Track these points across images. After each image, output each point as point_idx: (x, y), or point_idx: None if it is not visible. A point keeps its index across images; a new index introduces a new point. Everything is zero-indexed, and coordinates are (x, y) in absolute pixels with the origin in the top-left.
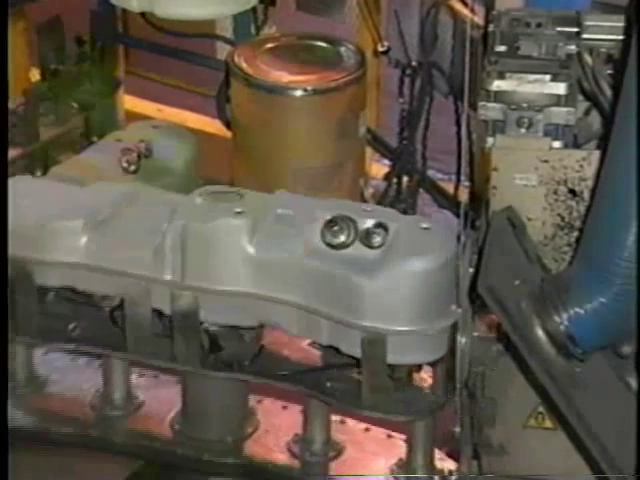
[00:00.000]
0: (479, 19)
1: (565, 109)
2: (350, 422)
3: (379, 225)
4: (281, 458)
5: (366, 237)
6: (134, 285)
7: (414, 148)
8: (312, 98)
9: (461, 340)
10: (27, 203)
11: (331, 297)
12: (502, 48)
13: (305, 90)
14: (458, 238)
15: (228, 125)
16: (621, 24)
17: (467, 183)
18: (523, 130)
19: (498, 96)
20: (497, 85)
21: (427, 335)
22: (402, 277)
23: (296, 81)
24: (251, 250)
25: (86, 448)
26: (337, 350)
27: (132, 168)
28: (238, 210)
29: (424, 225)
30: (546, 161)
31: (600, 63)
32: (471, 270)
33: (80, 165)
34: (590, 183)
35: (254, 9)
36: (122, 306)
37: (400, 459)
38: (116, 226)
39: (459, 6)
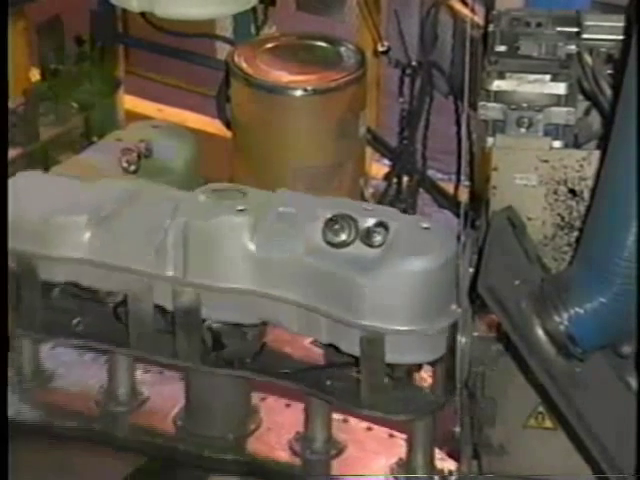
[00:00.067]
0: (479, 19)
1: (565, 109)
2: (352, 421)
3: (380, 224)
4: (282, 456)
5: (367, 236)
6: (137, 281)
7: (414, 148)
8: (312, 98)
9: (461, 340)
10: (34, 198)
11: (330, 295)
12: (502, 48)
13: (305, 90)
14: (458, 238)
15: (228, 125)
16: (621, 24)
17: (467, 183)
18: (523, 130)
19: (498, 96)
20: (497, 85)
21: (426, 335)
22: (401, 276)
23: (296, 81)
24: (252, 248)
25: (89, 443)
26: (337, 349)
27: (132, 168)
28: (240, 208)
29: (424, 225)
30: (546, 161)
31: (600, 63)
32: (471, 270)
33: (80, 165)
34: (590, 183)
35: (254, 9)
36: (126, 302)
37: (400, 458)
38: (120, 222)
39: (459, 6)
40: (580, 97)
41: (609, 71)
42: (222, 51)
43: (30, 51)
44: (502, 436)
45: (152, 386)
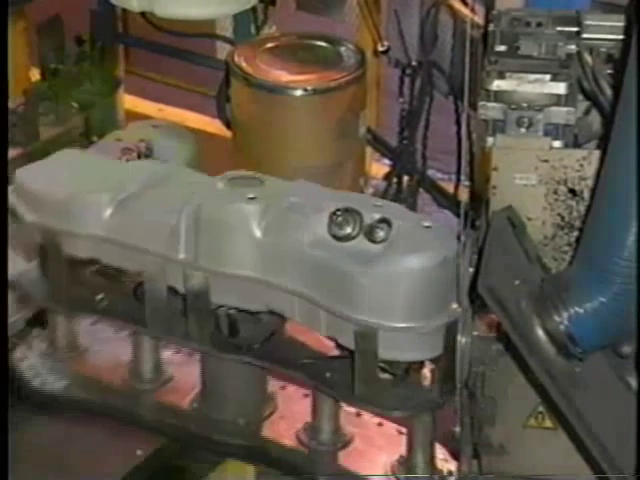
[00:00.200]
0: (479, 19)
1: (565, 109)
2: (366, 416)
3: (383, 220)
4: (288, 444)
5: (370, 231)
6: (151, 262)
7: (414, 148)
8: (312, 98)
9: (461, 340)
10: (64, 175)
11: (329, 288)
12: (502, 48)
13: (305, 90)
14: (458, 238)
15: (228, 125)
16: (621, 24)
17: (467, 183)
18: (523, 130)
19: (498, 96)
20: (497, 85)
21: (422, 333)
22: (397, 273)
23: (296, 81)
24: (259, 236)
25: (109, 418)
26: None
27: None
28: (251, 196)
29: (426, 224)
30: (546, 161)
31: (600, 63)
32: (471, 270)
33: None
34: (590, 183)
35: (254, 9)
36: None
37: (402, 456)
38: (139, 203)
39: (459, 6)
40: (580, 97)
41: (609, 71)
42: (222, 51)
43: (30, 51)
44: (502, 436)
45: (179, 366)
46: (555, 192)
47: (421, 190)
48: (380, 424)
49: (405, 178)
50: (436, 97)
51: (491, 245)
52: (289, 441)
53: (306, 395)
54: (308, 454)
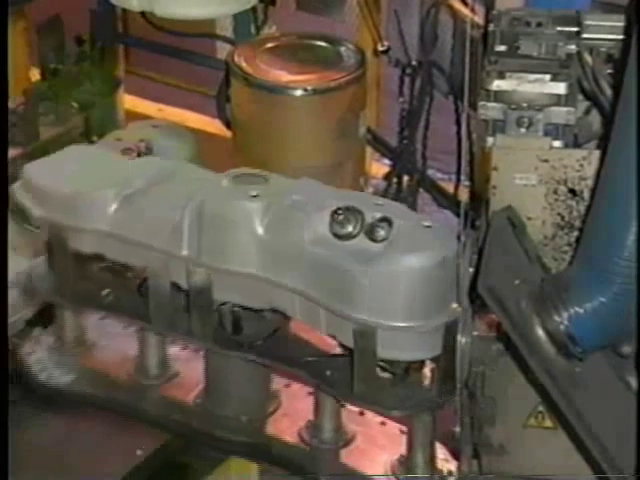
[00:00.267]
0: (479, 19)
1: (565, 109)
2: (368, 415)
3: (384, 219)
4: (289, 442)
5: (371, 230)
6: (155, 258)
7: (414, 148)
8: (312, 98)
9: (461, 340)
10: (72, 170)
11: (329, 286)
12: (502, 48)
13: (305, 90)
14: (458, 238)
15: (228, 125)
16: (621, 24)
17: (467, 183)
18: (523, 130)
19: (498, 96)
20: (497, 85)
21: (420, 332)
22: (397, 272)
23: (296, 81)
24: (260, 233)
25: (114, 412)
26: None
27: None
28: (254, 193)
29: (426, 223)
30: (546, 161)
31: (600, 63)
32: (471, 270)
33: None
34: (590, 183)
35: (254, 8)
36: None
37: (402, 455)
38: (144, 199)
39: (459, 6)
40: (580, 97)
41: (609, 71)
42: (222, 51)
43: (30, 51)
44: (502, 436)
45: (186, 362)
46: (555, 192)
47: (421, 190)
48: (383, 423)
49: (405, 178)
50: (436, 97)
51: (491, 245)
52: (291, 439)
53: (310, 393)
54: (309, 452)
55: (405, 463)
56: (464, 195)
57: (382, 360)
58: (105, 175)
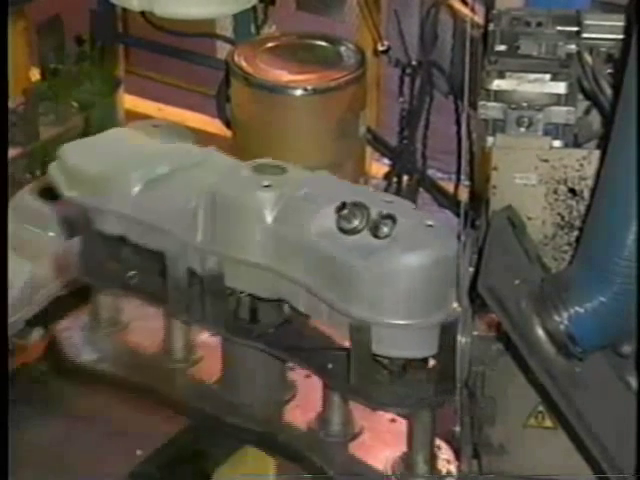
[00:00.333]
0: (479, 18)
1: (565, 108)
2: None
3: (388, 216)
4: (296, 432)
5: (374, 227)
6: (173, 243)
7: (414, 147)
8: (312, 97)
9: (461, 339)
10: (104, 152)
11: (329, 280)
12: (502, 47)
13: (305, 89)
14: (458, 237)
15: (228, 124)
16: (621, 23)
17: (467, 182)
18: (523, 129)
19: (498, 95)
20: (497, 84)
21: (418, 330)
22: (395, 270)
23: (296, 80)
24: (269, 224)
25: (137, 393)
26: None
27: None
28: (266, 184)
29: (429, 222)
30: (546, 160)
31: (600, 62)
32: (471, 269)
33: None
34: (590, 182)
35: (254, 8)
36: None
37: (404, 452)
38: (166, 184)
39: (459, 5)
40: (580, 96)
41: (609, 71)
42: (222, 51)
43: (30, 51)
44: (502, 436)
45: (212, 349)
46: (555, 192)
47: (421, 190)
48: (393, 420)
49: (405, 178)
50: (436, 97)
51: (491, 245)
52: (297, 429)
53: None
54: (315, 443)
55: (405, 460)
56: (464, 195)
57: (380, 357)
58: (134, 159)
